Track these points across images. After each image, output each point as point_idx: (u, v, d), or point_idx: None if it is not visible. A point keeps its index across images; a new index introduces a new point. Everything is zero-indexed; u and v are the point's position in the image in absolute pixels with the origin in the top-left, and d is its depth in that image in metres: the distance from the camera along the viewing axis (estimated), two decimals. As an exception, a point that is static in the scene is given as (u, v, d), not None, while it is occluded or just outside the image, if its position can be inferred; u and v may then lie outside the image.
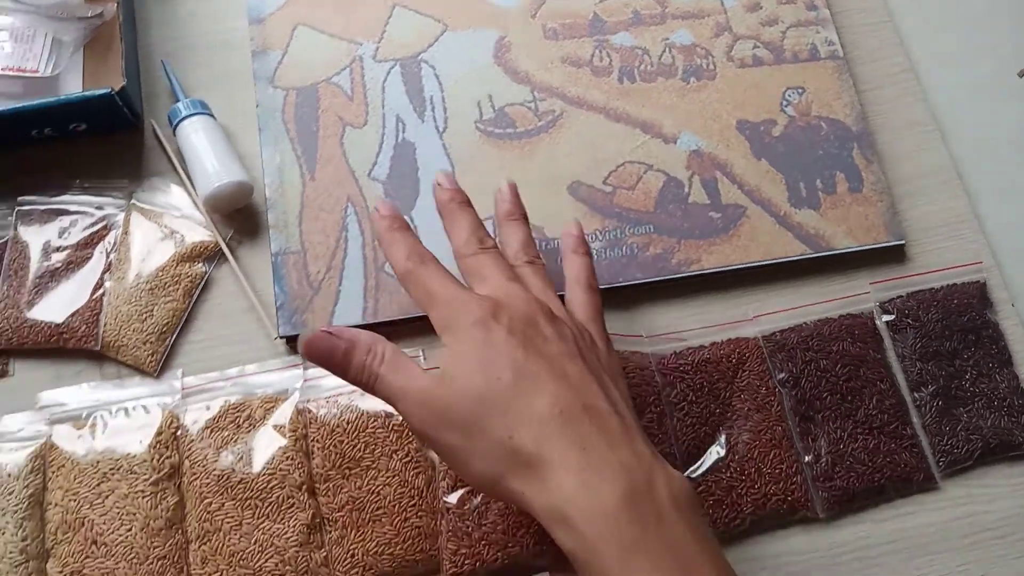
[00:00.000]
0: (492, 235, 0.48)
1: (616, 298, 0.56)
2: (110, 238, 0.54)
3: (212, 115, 0.56)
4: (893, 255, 0.58)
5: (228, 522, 0.48)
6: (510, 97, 0.59)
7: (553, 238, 0.56)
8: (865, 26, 0.65)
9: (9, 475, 0.48)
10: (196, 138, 0.55)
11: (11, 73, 0.57)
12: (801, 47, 0.62)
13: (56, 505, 0.48)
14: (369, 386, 0.42)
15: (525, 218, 0.50)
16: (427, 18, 0.61)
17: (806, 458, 0.52)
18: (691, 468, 0.52)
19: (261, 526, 0.48)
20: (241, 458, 0.49)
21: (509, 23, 0.61)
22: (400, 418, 0.50)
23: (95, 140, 0.57)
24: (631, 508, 0.37)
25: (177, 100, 0.56)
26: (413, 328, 0.54)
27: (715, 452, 0.52)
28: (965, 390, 0.55)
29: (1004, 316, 0.57)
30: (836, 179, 0.59)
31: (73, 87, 0.58)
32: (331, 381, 0.52)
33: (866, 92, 0.62)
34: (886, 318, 0.56)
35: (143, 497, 0.48)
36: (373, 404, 0.51)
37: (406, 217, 0.55)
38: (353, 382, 0.42)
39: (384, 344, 0.42)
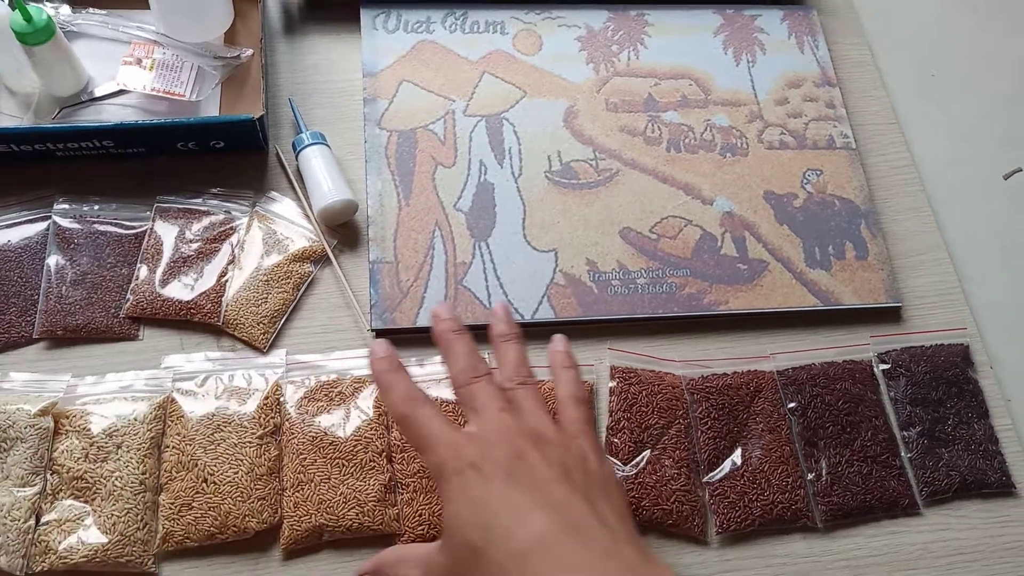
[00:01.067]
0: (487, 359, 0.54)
1: (656, 327, 0.65)
2: (235, 237, 0.64)
3: (329, 146, 0.67)
4: (890, 315, 0.68)
5: (319, 475, 0.56)
6: (575, 155, 0.70)
7: (604, 272, 0.66)
8: (876, 125, 0.76)
9: (136, 419, 0.57)
10: (315, 162, 0.65)
11: (160, 94, 0.68)
12: (820, 137, 0.74)
13: (173, 448, 0.56)
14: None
15: (519, 337, 0.53)
16: (510, 85, 0.73)
17: (809, 476, 0.61)
18: (712, 473, 0.60)
19: (346, 482, 0.56)
20: (332, 425, 0.58)
21: (578, 95, 0.73)
22: (469, 405, 0.59)
23: (228, 158, 0.67)
24: None
25: (300, 131, 0.67)
26: (479, 335, 0.63)
27: (731, 462, 0.61)
28: (947, 433, 0.64)
29: (983, 376, 0.67)
30: (845, 247, 0.69)
31: (210, 114, 0.69)
32: (411, 371, 0.60)
33: (874, 179, 0.74)
34: (883, 366, 0.66)
35: (250, 447, 0.56)
36: (446, 393, 0.60)
37: (483, 243, 0.65)
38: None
39: (396, 549, 0.52)
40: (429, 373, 0.61)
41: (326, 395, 0.59)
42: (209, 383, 0.59)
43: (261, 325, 0.61)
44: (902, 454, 0.63)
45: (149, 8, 0.68)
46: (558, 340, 0.55)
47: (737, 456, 0.61)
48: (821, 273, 0.68)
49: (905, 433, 0.63)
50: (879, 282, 0.68)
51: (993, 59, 0.83)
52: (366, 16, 0.74)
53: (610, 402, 0.61)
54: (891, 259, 0.70)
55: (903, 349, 0.66)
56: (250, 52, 0.70)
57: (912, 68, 0.82)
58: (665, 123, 0.73)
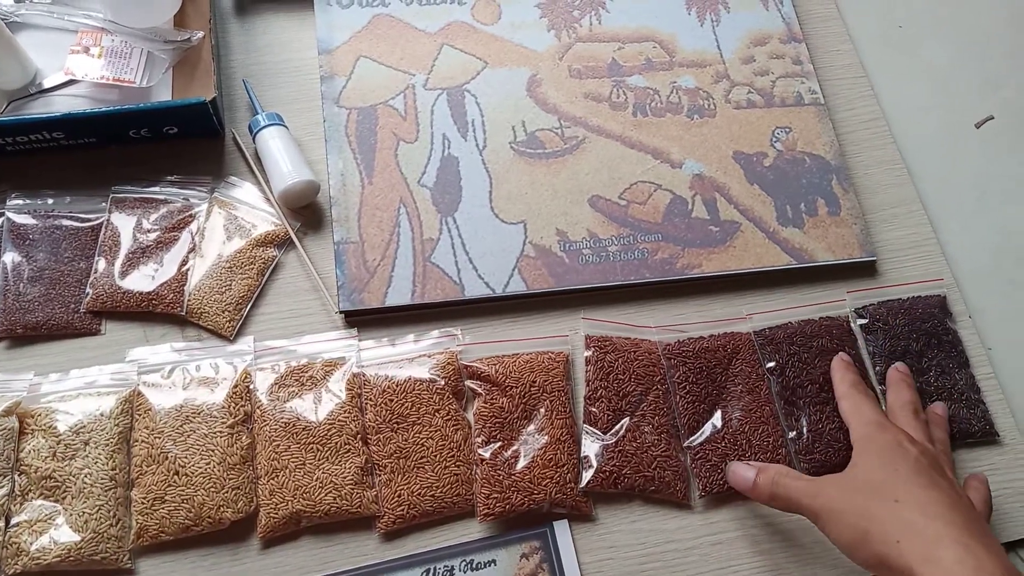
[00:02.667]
0: None
1: (630, 294, 0.64)
2: (194, 224, 0.63)
3: (286, 126, 0.66)
4: (866, 270, 0.67)
5: (293, 461, 0.55)
6: (540, 124, 0.69)
7: (574, 241, 0.65)
8: (843, 79, 0.75)
9: (102, 415, 0.55)
10: (273, 144, 0.64)
11: (110, 82, 0.66)
12: (788, 94, 0.73)
13: (142, 442, 0.55)
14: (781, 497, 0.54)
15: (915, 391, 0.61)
16: (470, 56, 0.71)
17: (790, 434, 0.60)
18: (692, 437, 0.59)
19: (321, 466, 0.55)
20: (304, 410, 0.57)
21: (540, 63, 0.72)
22: (442, 383, 0.58)
23: (183, 143, 0.66)
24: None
25: (256, 113, 0.66)
26: (453, 311, 0.62)
27: (712, 425, 0.60)
28: (929, 384, 0.63)
29: (962, 326, 0.66)
30: (817, 204, 0.68)
31: (163, 99, 0.67)
32: (382, 351, 0.60)
33: (844, 134, 0.73)
34: (860, 321, 0.65)
35: (221, 436, 0.55)
36: (419, 371, 0.59)
37: (450, 218, 0.64)
38: (763, 496, 0.55)
39: (782, 470, 0.54)
40: (401, 352, 0.60)
41: (297, 380, 0.58)
42: (176, 374, 0.58)
43: (226, 312, 0.60)
44: (883, 407, 0.62)
45: (94, -6, 0.66)
46: (938, 406, 0.62)
47: (717, 419, 0.60)
48: (794, 231, 0.67)
49: (884, 387, 0.63)
50: (853, 237, 0.67)
51: (960, 5, 0.82)
52: (319, -8, 0.72)
53: (586, 371, 0.61)
54: (864, 213, 0.69)
55: (880, 303, 0.66)
56: (200, 35, 0.68)
57: (878, 20, 0.80)
58: (630, 87, 0.71)
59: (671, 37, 0.74)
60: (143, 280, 0.60)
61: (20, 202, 0.62)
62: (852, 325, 0.65)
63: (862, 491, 0.51)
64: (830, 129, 0.72)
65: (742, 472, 0.56)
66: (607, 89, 0.71)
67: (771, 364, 0.62)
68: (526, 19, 0.73)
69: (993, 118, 0.76)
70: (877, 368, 0.64)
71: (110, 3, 0.66)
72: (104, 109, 0.61)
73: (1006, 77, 0.78)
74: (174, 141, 0.65)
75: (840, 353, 0.62)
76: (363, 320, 0.62)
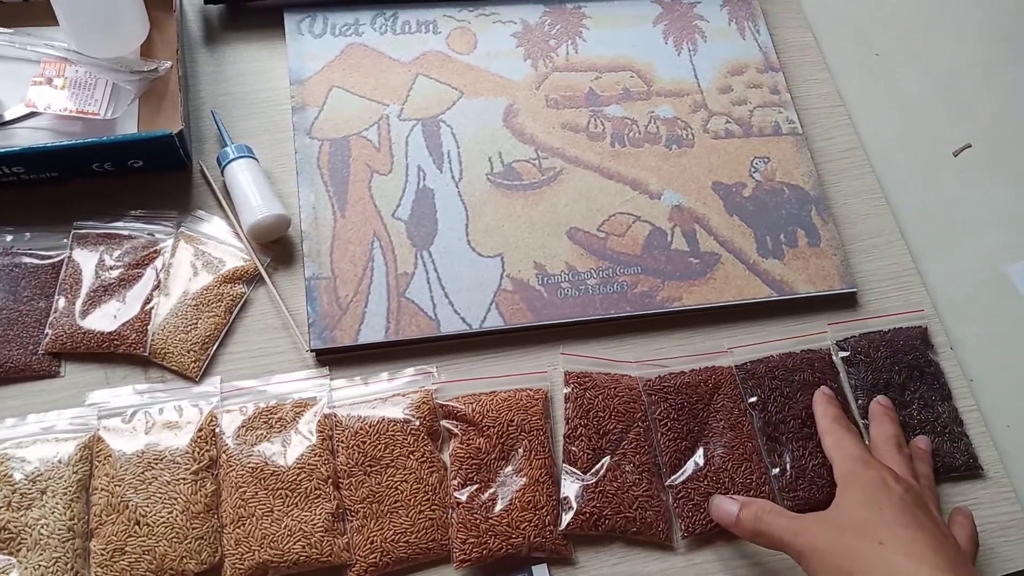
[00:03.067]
0: None
1: (609, 328, 0.63)
2: (159, 261, 0.61)
3: (256, 159, 0.64)
4: (846, 301, 0.67)
5: (260, 508, 0.53)
6: (517, 155, 0.68)
7: (552, 275, 0.63)
8: (821, 109, 0.75)
9: (60, 462, 0.53)
10: (243, 177, 0.62)
11: (73, 114, 0.64)
12: (766, 124, 0.72)
13: (101, 490, 0.53)
14: (756, 533, 0.53)
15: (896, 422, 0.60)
16: (446, 86, 0.70)
17: (773, 471, 0.59)
18: (674, 476, 0.58)
19: (290, 513, 0.53)
20: (273, 454, 0.55)
21: (517, 93, 0.70)
22: (417, 423, 0.56)
23: (149, 177, 0.64)
24: None
25: (225, 145, 0.64)
26: (429, 348, 0.61)
27: (694, 463, 0.59)
28: (912, 417, 0.62)
29: (944, 357, 0.65)
30: (797, 235, 0.67)
31: (128, 131, 0.65)
32: (355, 391, 0.58)
33: (822, 164, 0.72)
34: (841, 354, 0.64)
35: (184, 484, 0.53)
36: (392, 411, 0.57)
37: (425, 252, 0.63)
38: (745, 532, 0.54)
39: (764, 504, 0.53)
40: (374, 392, 0.58)
41: (265, 422, 0.56)
42: (138, 418, 0.55)
43: (192, 352, 0.58)
44: (866, 442, 0.61)
45: (58, 24, 0.64)
46: (921, 440, 0.61)
47: (699, 456, 0.59)
48: (774, 263, 0.66)
49: (867, 421, 0.62)
50: (833, 268, 0.67)
51: (936, 34, 0.82)
52: (290, 21, 0.71)
53: (566, 409, 0.59)
54: (844, 244, 0.68)
55: (861, 335, 0.65)
56: (168, 64, 0.66)
57: (855, 49, 0.80)
58: (608, 117, 0.71)
59: (648, 66, 0.73)
60: (105, 319, 0.58)
61: (-23, 239, 0.60)
62: (834, 358, 0.64)
63: (846, 531, 0.50)
64: (808, 159, 0.71)
65: (725, 506, 0.54)
66: (584, 119, 0.70)
67: (753, 399, 0.61)
68: (502, 48, 0.72)
69: (970, 146, 0.76)
70: (859, 402, 0.62)
71: (74, 33, 0.64)
72: (65, 143, 0.59)
73: (982, 105, 0.78)
74: (139, 174, 0.63)
75: (822, 387, 0.61)
76: (335, 358, 0.60)
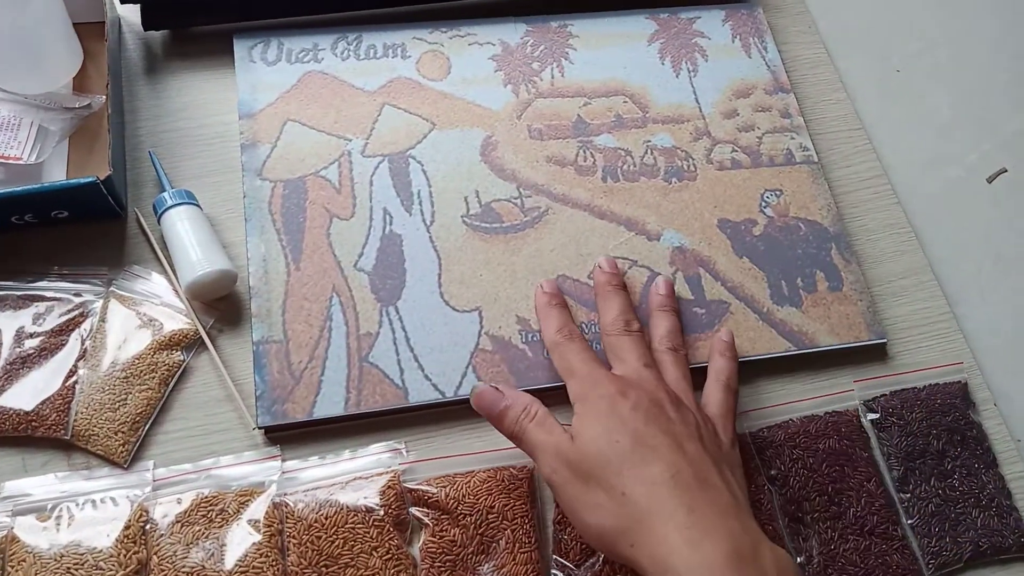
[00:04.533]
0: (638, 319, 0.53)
1: (602, 392, 0.55)
2: (86, 325, 0.53)
3: (198, 205, 0.56)
4: (875, 353, 0.59)
5: (195, 624, 0.45)
6: (496, 193, 0.60)
7: (538, 331, 0.55)
8: (838, 133, 0.67)
9: (-38, 572, 0.45)
10: (181, 227, 0.54)
11: (-7, 160, 0.57)
12: (777, 152, 0.64)
13: (10, 605, 0.45)
14: (516, 437, 0.47)
15: (676, 312, 0.55)
16: (415, 117, 0.62)
17: (799, 559, 0.51)
18: (681, 569, 0.50)
19: (230, 629, 0.45)
20: (212, 555, 0.47)
21: (496, 123, 0.63)
22: (382, 512, 0.48)
23: (77, 227, 0.56)
24: (736, 569, 0.39)
25: (163, 190, 0.56)
26: (396, 421, 0.53)
27: (705, 552, 0.50)
28: (953, 489, 0.54)
29: (987, 416, 0.57)
30: (816, 278, 0.60)
31: (57, 175, 0.58)
32: (310, 473, 0.50)
33: (842, 195, 0.64)
34: (871, 416, 0.56)
35: (105, 596, 0.45)
36: (353, 498, 0.49)
37: (392, 308, 0.55)
38: (505, 433, 0.48)
39: (538, 405, 0.48)
40: (332, 475, 0.50)
41: (204, 516, 0.48)
42: (58, 513, 0.48)
43: (119, 434, 0.50)
44: (903, 521, 0.53)
45: (-26, 56, 0.57)
46: (725, 332, 0.56)
47: (711, 543, 0.51)
48: (791, 311, 0.58)
49: (903, 495, 0.54)
50: (858, 316, 0.59)
51: (962, 47, 0.75)
52: (240, 47, 0.63)
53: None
54: (869, 287, 0.60)
55: (893, 393, 0.57)
56: (103, 99, 0.59)
57: (874, 65, 0.73)
58: (599, 148, 0.63)
59: (643, 90, 0.66)
60: (23, 397, 0.50)
61: None
62: (862, 420, 0.56)
63: (592, 476, 0.44)
64: (826, 190, 0.63)
65: (489, 396, 0.49)
66: (572, 151, 0.62)
67: (772, 472, 0.53)
68: (479, 73, 0.65)
69: (1006, 171, 0.68)
70: (894, 472, 0.54)
71: (-6, 66, 0.57)
72: (-28, 195, 0.51)
73: (1018, 125, 0.70)
74: (66, 225, 0.56)
75: (541, 282, 0.55)
76: (287, 435, 0.52)
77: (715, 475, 0.44)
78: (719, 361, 0.53)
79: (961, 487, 0.54)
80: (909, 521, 0.53)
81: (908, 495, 0.54)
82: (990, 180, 0.67)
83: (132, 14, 0.64)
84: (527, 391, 0.53)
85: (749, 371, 0.57)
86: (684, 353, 0.53)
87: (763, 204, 0.62)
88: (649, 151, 0.63)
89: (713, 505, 0.42)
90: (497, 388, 0.49)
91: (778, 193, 0.63)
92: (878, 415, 0.56)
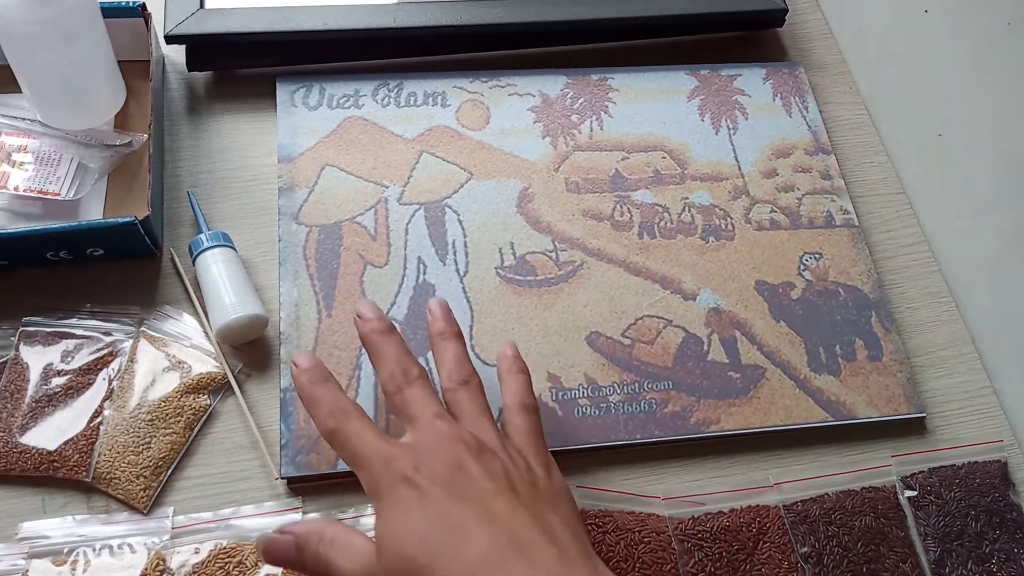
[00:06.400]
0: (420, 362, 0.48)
1: (634, 455, 0.54)
2: (115, 365, 0.53)
3: (234, 248, 0.56)
4: (914, 427, 0.57)
5: None
6: (531, 245, 0.59)
7: (569, 389, 0.54)
8: (879, 196, 0.66)
9: (-25, 615, 0.44)
10: (216, 270, 0.54)
11: (32, 195, 0.57)
12: (817, 214, 0.63)
13: (22, 652, 0.44)
14: (327, 575, 0.41)
15: (458, 336, 0.49)
16: (453, 166, 0.62)
17: (830, 642, 0.49)
18: (709, 646, 0.48)
19: None
20: (228, 609, 0.46)
21: (533, 175, 0.62)
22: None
23: (111, 265, 0.56)
24: None
25: (200, 231, 0.56)
26: (420, 476, 0.52)
27: (734, 630, 0.49)
28: (992, 574, 0.52)
29: (1028, 497, 0.56)
30: (855, 346, 0.58)
31: (94, 212, 0.58)
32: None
33: (882, 260, 0.63)
34: (908, 494, 0.54)
35: (118, 648, 0.44)
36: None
37: (423, 359, 0.54)
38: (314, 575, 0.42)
39: (334, 526, 0.43)
40: (363, 527, 0.49)
41: (222, 567, 0.47)
42: (75, 557, 0.47)
43: (141, 479, 0.49)
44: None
45: (21, 92, 0.57)
46: (508, 345, 0.51)
47: (740, 620, 0.49)
48: (829, 379, 0.57)
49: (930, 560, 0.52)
50: (897, 388, 0.57)
51: (1006, 112, 0.73)
52: (283, 91, 0.63)
53: (580, 556, 0.50)
54: (909, 357, 0.59)
55: (931, 470, 0.55)
56: (144, 137, 0.59)
57: (915, 128, 0.72)
58: (636, 204, 0.62)
59: (682, 147, 0.65)
60: (46, 436, 0.50)
61: (-90, 335, 0.52)
62: (900, 498, 0.54)
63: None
64: (866, 255, 0.62)
65: (279, 547, 0.43)
66: (609, 206, 0.62)
67: (805, 549, 0.51)
68: (518, 124, 0.64)
69: (1050, 243, 0.66)
70: (930, 554, 0.52)
71: (38, 103, 0.58)
72: (10, 231, 0.51)
73: (1063, 196, 0.69)
74: (101, 263, 0.56)
75: (432, 300, 0.51)
76: (310, 486, 0.51)
77: (534, 531, 0.40)
78: (510, 380, 0.49)
79: (999, 572, 0.52)
80: (946, 606, 0.51)
81: (946, 578, 0.52)
82: (1034, 251, 0.66)
83: (177, 54, 0.65)
84: (558, 452, 0.53)
85: (784, 440, 0.55)
86: (477, 381, 0.47)
87: (802, 267, 0.61)
88: (687, 208, 0.62)
89: (535, 570, 0.38)
90: (281, 531, 0.43)
91: (817, 256, 0.61)
92: (916, 492, 0.54)
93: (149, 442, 0.50)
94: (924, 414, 0.57)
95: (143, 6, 0.60)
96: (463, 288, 0.57)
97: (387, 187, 0.61)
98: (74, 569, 0.46)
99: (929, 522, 0.53)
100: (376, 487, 0.42)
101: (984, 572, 0.52)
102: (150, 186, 0.54)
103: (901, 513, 0.54)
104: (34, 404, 0.51)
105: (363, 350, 0.54)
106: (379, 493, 0.41)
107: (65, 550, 0.47)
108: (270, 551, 0.42)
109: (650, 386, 0.55)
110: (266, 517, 0.49)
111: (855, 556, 0.51)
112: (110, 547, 0.47)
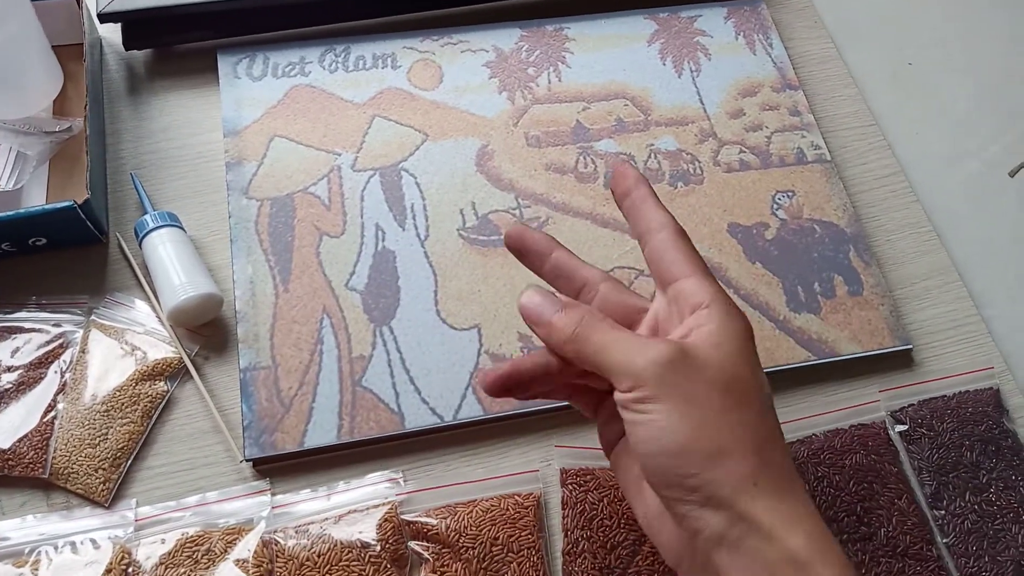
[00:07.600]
0: None
1: (610, 411, 0.52)
2: (66, 356, 0.50)
3: (181, 227, 0.54)
4: (900, 360, 0.55)
5: (180, 675, 0.42)
6: (494, 204, 0.57)
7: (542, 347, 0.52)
8: (851, 130, 0.64)
9: (-67, 624, 0.42)
10: (163, 250, 0.52)
11: (-29, 188, 0.55)
12: (787, 151, 0.61)
13: (-16, 659, 0.42)
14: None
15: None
16: (407, 128, 0.60)
17: (827, 585, 0.47)
18: (701, 599, 0.46)
19: None
20: (198, 599, 0.44)
21: (491, 132, 0.60)
22: (378, 547, 0.45)
23: (56, 255, 0.54)
24: None
25: (145, 212, 0.54)
26: (392, 448, 0.50)
27: (726, 580, 0.47)
28: (990, 504, 0.50)
29: (1022, 424, 0.54)
30: (834, 282, 0.56)
31: (36, 201, 0.56)
32: (302, 507, 0.47)
33: (857, 194, 0.61)
34: (899, 428, 0.53)
35: (83, 647, 0.42)
36: (348, 533, 0.46)
37: (386, 328, 0.52)
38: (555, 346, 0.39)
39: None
40: (325, 508, 0.47)
41: (190, 556, 0.45)
42: (36, 557, 0.45)
43: (100, 472, 0.47)
44: (938, 540, 0.50)
45: (-51, 81, 0.55)
46: (619, 165, 0.43)
47: (732, 570, 0.47)
48: (809, 318, 0.55)
49: (937, 512, 0.50)
50: (881, 321, 0.55)
51: (975, 37, 0.71)
52: (225, 63, 0.61)
53: (563, 517, 0.48)
54: (891, 290, 0.57)
55: (921, 403, 0.53)
56: (83, 122, 0.57)
57: (884, 58, 0.70)
58: (600, 154, 0.60)
59: (644, 92, 0.63)
60: (0, 434, 0.48)
61: None
62: (890, 432, 0.53)
63: (730, 393, 0.35)
64: (841, 190, 0.60)
65: (538, 301, 0.39)
66: (572, 158, 0.60)
67: (794, 492, 0.49)
68: (472, 81, 0.62)
69: (1030, 164, 0.64)
70: (926, 488, 0.51)
71: (-32, 91, 0.55)
72: (-60, 224, 0.49)
73: (1040, 116, 0.67)
74: (45, 253, 0.53)
75: (620, 163, 0.44)
76: (277, 467, 0.49)
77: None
78: (655, 214, 0.42)
79: (998, 501, 0.51)
80: (944, 540, 0.50)
81: (942, 512, 0.50)
82: (1012, 174, 0.64)
83: (113, 34, 0.62)
84: (533, 412, 0.51)
85: (770, 382, 0.53)
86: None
87: (775, 206, 0.59)
88: (653, 155, 0.60)
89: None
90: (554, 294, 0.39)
91: (790, 194, 0.59)
92: (906, 427, 0.52)
93: (106, 433, 0.48)
94: (910, 346, 0.55)
95: (71, -15, 0.58)
96: (425, 253, 0.55)
97: (339, 154, 0.58)
98: (36, 569, 0.44)
99: (923, 455, 0.52)
100: (718, 294, 0.38)
101: (983, 502, 0.51)
102: (88, 169, 0.52)
103: (893, 448, 0.52)
104: (-16, 403, 0.49)
105: (323, 322, 0.52)
106: (721, 299, 0.38)
107: (26, 550, 0.45)
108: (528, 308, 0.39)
109: (625, 338, 0.53)
110: (233, 502, 0.47)
111: (847, 495, 0.49)
112: (72, 544, 0.45)
